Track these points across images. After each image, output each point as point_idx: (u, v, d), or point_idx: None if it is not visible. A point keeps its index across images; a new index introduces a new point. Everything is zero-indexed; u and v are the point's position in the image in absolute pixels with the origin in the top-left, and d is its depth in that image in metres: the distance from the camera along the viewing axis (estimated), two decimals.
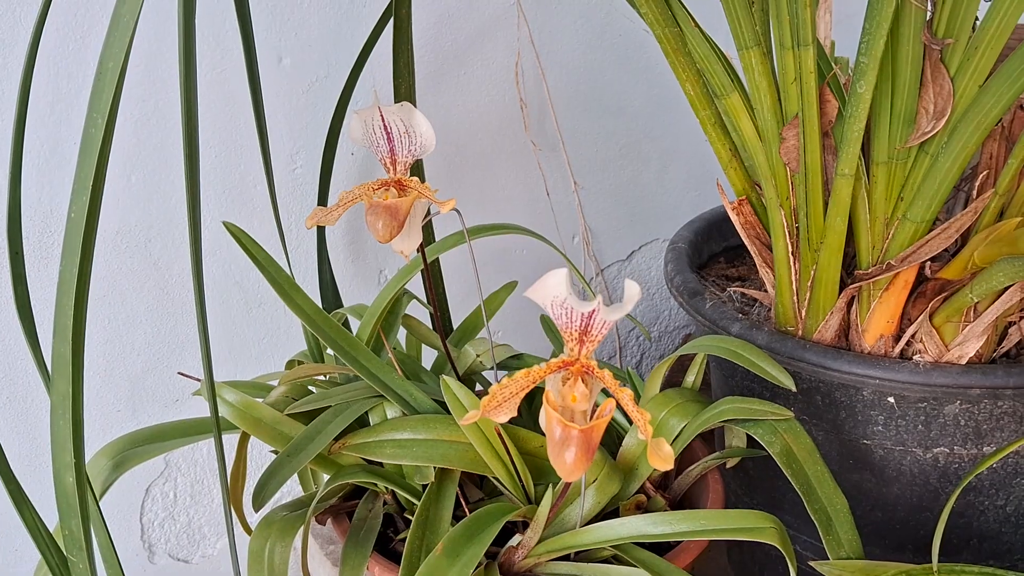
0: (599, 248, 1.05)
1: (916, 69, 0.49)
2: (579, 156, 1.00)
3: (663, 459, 0.40)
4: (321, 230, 0.84)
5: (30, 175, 0.74)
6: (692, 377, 0.65)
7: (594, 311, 0.38)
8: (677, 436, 0.61)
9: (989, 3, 0.46)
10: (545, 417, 0.41)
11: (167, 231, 0.83)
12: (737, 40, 0.53)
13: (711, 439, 0.76)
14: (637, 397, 0.72)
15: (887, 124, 0.52)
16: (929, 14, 0.48)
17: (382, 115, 0.55)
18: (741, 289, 0.68)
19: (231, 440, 0.66)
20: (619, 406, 0.44)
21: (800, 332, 0.62)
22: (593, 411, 0.42)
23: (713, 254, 0.81)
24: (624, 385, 0.41)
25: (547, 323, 0.74)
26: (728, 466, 0.69)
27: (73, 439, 0.45)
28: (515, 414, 0.41)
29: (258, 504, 0.56)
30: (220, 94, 0.79)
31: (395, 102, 0.69)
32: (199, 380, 0.61)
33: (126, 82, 0.46)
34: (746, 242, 0.63)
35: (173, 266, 0.84)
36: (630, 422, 0.64)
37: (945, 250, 0.55)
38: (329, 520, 0.66)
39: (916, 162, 0.52)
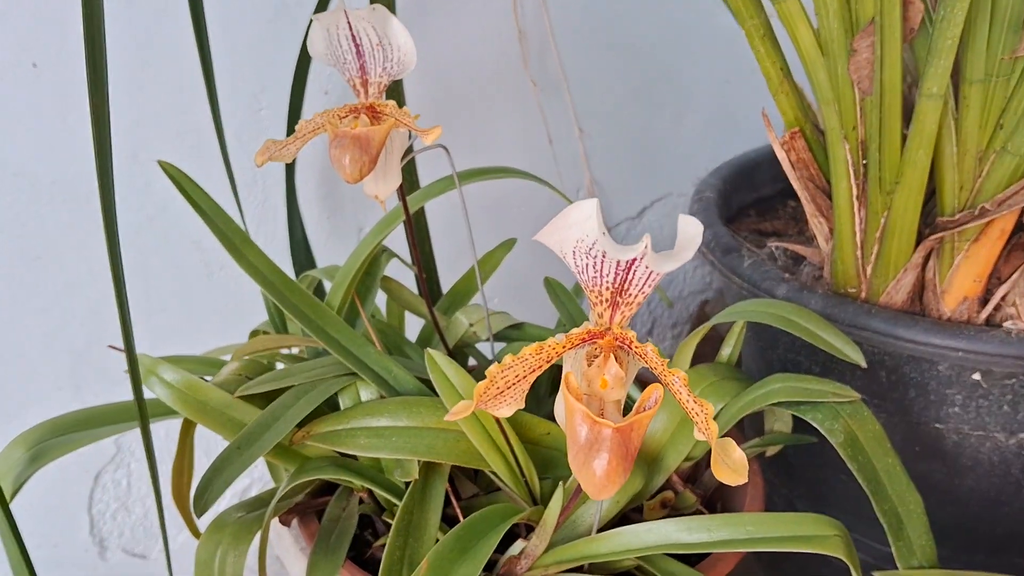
0: (607, 203, 0.94)
1: None
2: (585, 98, 0.88)
3: (735, 470, 0.29)
4: (291, 180, 0.72)
5: None
6: (728, 350, 0.54)
7: (635, 259, 0.26)
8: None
9: None
10: (565, 409, 0.29)
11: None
12: None
13: (741, 424, 0.65)
14: None
15: (986, 31, 0.41)
16: None
17: (349, 21, 0.43)
18: (785, 244, 0.58)
19: (177, 426, 0.56)
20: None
21: (864, 294, 0.51)
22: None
23: (742, 206, 0.70)
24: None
25: (553, 286, 0.63)
26: (768, 455, 0.59)
27: None
28: (521, 405, 0.30)
29: (200, 508, 0.45)
30: (173, 28, 0.68)
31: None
32: (122, 350, 0.50)
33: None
34: (796, 185, 0.52)
35: (120, 221, 0.73)
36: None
37: None
38: (295, 520, 0.55)
39: (1022, 80, 0.41)
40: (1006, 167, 0.43)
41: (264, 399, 0.50)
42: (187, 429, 0.51)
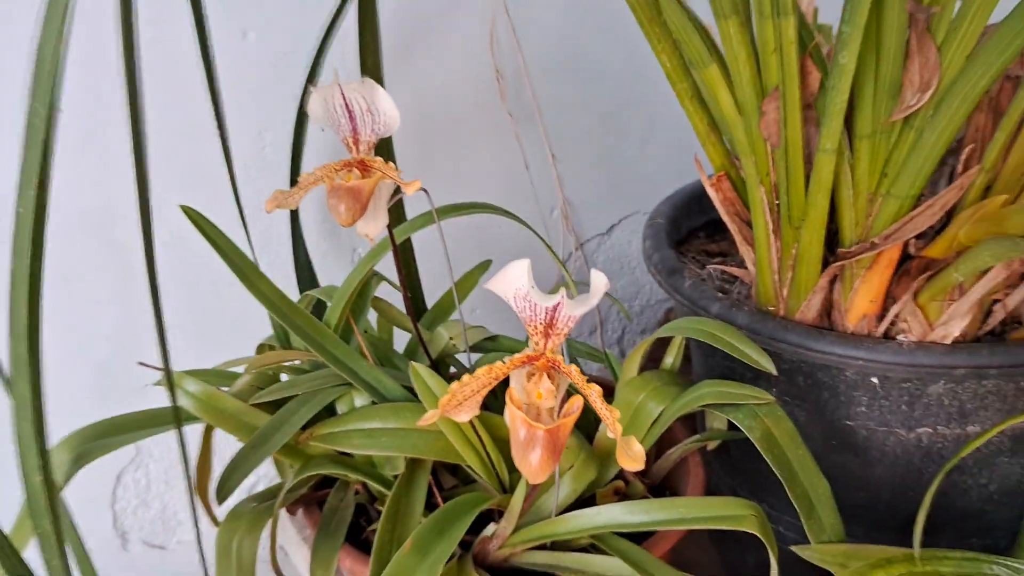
0: (578, 222, 1.02)
1: (901, 39, 0.46)
2: (557, 127, 0.97)
3: (633, 459, 0.38)
4: (294, 213, 0.81)
5: None
6: (671, 359, 0.63)
7: (558, 304, 0.35)
8: (655, 420, 0.60)
9: None
10: (509, 416, 0.39)
11: (131, 213, 0.80)
12: (715, 8, 0.50)
13: (693, 421, 0.74)
14: (616, 377, 0.70)
15: (871, 97, 0.50)
16: None
17: (343, 93, 0.52)
18: (722, 266, 0.66)
19: (199, 429, 0.64)
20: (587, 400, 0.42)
21: (782, 312, 0.60)
22: (561, 407, 0.40)
23: (693, 228, 0.79)
24: (591, 382, 0.39)
25: None
26: (709, 448, 0.68)
27: (36, 440, 0.43)
28: (477, 413, 0.39)
29: (222, 497, 0.54)
30: (183, 73, 0.76)
31: (361, 76, 0.66)
32: (160, 369, 0.59)
33: (71, 60, 0.43)
34: (725, 219, 0.61)
35: (137, 249, 0.81)
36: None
37: (930, 227, 0.53)
38: (300, 511, 0.64)
39: (901, 136, 0.49)
40: (891, 208, 0.52)
41: (272, 406, 0.59)
42: (208, 433, 0.60)
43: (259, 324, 0.88)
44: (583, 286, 0.79)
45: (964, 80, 0.45)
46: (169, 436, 0.88)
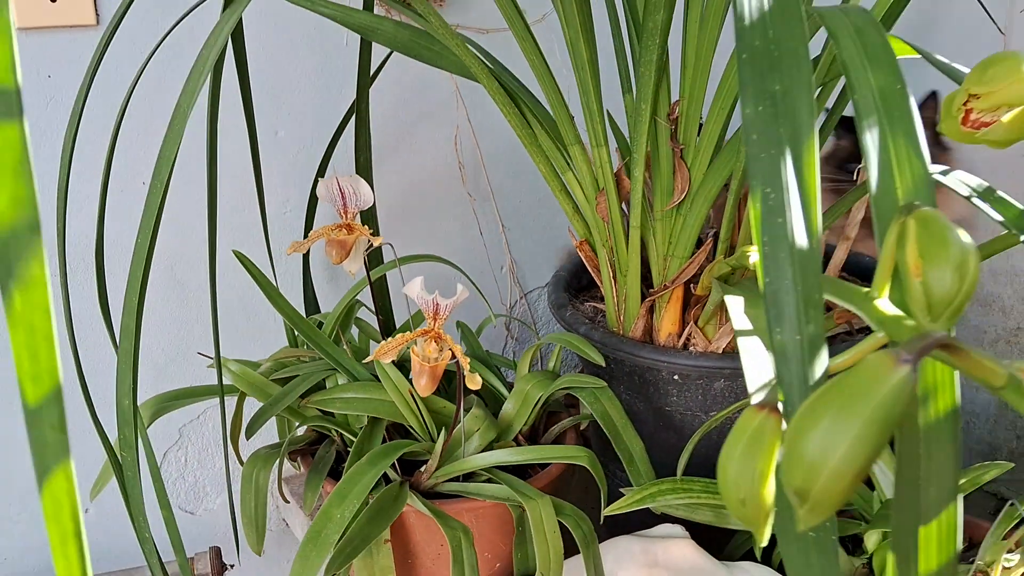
0: (522, 276, 1.34)
1: (669, 161, 0.78)
2: (506, 205, 1.29)
3: (474, 383, 0.68)
4: (306, 256, 1.13)
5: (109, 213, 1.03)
6: (552, 362, 0.93)
7: (437, 300, 0.66)
8: (536, 402, 0.90)
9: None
10: (413, 361, 0.69)
11: (187, 257, 1.12)
12: (565, 138, 0.82)
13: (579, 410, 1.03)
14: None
15: (657, 195, 0.82)
16: (672, 128, 0.77)
17: (338, 183, 0.84)
18: (592, 303, 0.97)
19: (233, 402, 0.94)
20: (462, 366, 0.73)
21: (621, 331, 0.90)
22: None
23: (590, 281, 1.10)
24: (459, 343, 0.69)
25: (462, 327, 1.03)
26: (582, 428, 0.97)
27: (132, 378, 0.73)
28: (395, 358, 0.70)
29: (249, 434, 0.84)
30: (234, 159, 1.09)
31: (356, 171, 0.99)
32: (211, 357, 0.89)
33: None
34: (590, 270, 0.92)
35: (190, 284, 1.13)
36: (509, 391, 0.92)
37: (697, 274, 0.83)
38: (298, 458, 0.94)
39: (675, 219, 0.80)
40: (675, 264, 0.83)
41: (283, 382, 0.89)
42: (241, 400, 0.90)
43: (273, 340, 1.19)
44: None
45: (703, 186, 0.76)
46: (203, 425, 1.19)
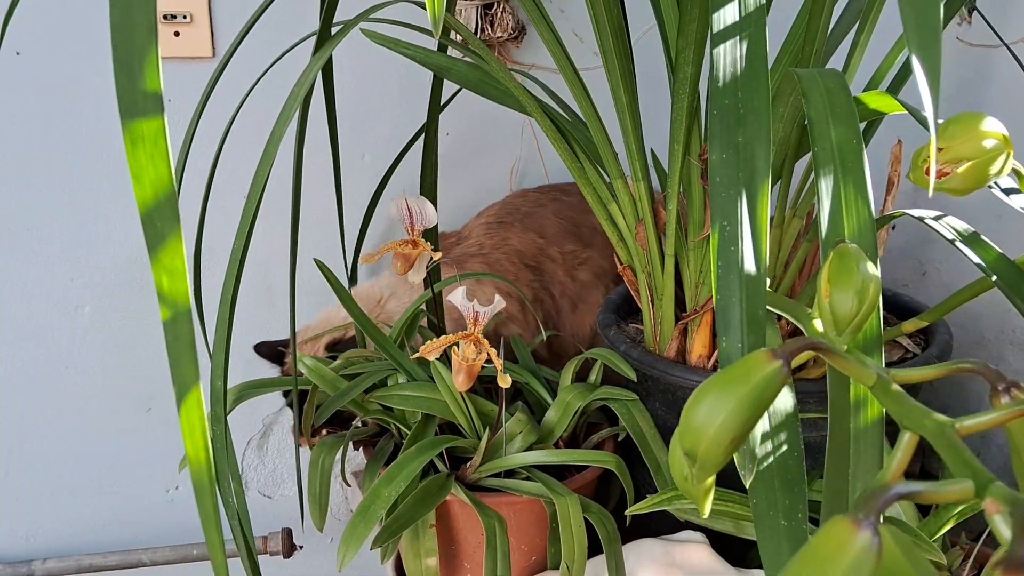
0: None
1: (700, 197, 0.86)
2: None
3: (505, 383, 0.78)
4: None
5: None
6: (593, 376, 1.02)
7: (476, 309, 0.76)
8: (576, 411, 0.98)
9: None
10: (453, 360, 0.79)
11: (280, 263, 1.25)
12: (609, 172, 0.91)
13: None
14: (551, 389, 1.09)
15: (691, 227, 0.89)
16: (702, 168, 0.85)
17: (407, 203, 0.95)
18: (636, 325, 1.05)
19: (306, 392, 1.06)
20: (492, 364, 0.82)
21: (657, 351, 0.98)
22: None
23: (638, 307, 1.18)
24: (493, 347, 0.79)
25: (516, 341, 1.12)
26: (620, 439, 1.05)
27: (224, 361, 0.85)
28: (438, 356, 0.80)
29: (319, 420, 0.95)
30: (320, 179, 1.21)
31: (421, 192, 1.09)
32: (289, 352, 1.01)
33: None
34: (632, 294, 1.00)
35: (278, 288, 1.26)
36: (553, 397, 1.01)
37: None
38: (361, 448, 1.04)
39: (706, 249, 0.88)
40: (706, 290, 0.90)
41: (351, 378, 1.00)
42: (314, 390, 1.01)
43: None
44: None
45: None
46: (284, 419, 1.31)
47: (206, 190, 0.93)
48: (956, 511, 0.84)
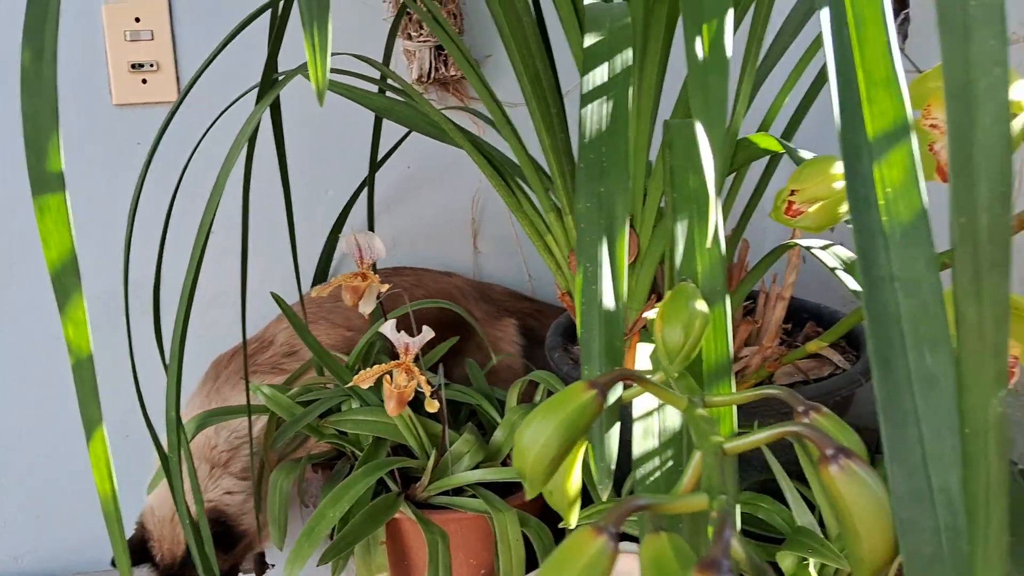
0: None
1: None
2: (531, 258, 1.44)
3: (432, 407, 0.83)
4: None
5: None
6: (538, 397, 1.07)
7: (405, 340, 0.82)
8: None
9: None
10: (384, 387, 0.85)
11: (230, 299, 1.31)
12: (543, 205, 0.97)
13: None
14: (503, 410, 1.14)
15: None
16: None
17: (356, 238, 1.01)
18: (577, 346, 1.11)
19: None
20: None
21: None
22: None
23: None
24: (424, 374, 0.84)
25: (471, 367, 1.18)
26: None
27: (176, 393, 0.90)
28: (372, 384, 0.85)
29: (274, 446, 1.01)
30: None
31: (368, 226, 1.16)
32: (247, 381, 1.07)
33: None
34: (574, 318, 1.06)
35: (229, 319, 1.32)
36: (501, 417, 1.06)
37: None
38: (319, 470, 1.10)
39: (632, 277, 0.94)
40: (632, 315, 0.96)
41: (306, 404, 1.06)
42: (272, 416, 1.07)
43: None
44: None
45: (650, 250, 0.90)
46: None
47: (163, 229, 0.99)
48: None
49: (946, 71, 0.32)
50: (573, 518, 0.52)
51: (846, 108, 0.38)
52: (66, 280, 0.42)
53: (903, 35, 1.28)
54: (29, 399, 1.34)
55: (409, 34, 1.26)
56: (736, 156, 0.79)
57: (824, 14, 0.40)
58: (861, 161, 0.38)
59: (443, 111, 0.99)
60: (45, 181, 0.42)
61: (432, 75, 1.27)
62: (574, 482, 0.51)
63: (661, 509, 0.35)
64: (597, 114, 0.56)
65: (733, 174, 0.89)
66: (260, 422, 1.07)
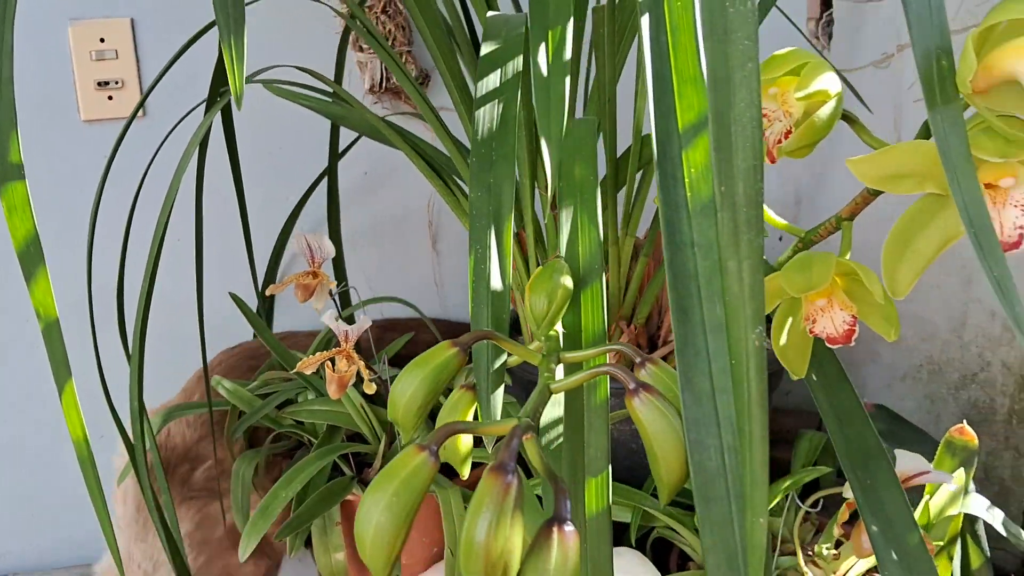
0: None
1: (552, 224, 0.99)
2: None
3: (370, 390, 0.90)
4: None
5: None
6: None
7: (345, 328, 0.89)
8: None
9: None
10: (327, 373, 0.91)
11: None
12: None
13: None
14: None
15: (549, 250, 1.02)
16: (552, 198, 0.98)
17: (306, 238, 1.07)
18: (520, 336, 1.18)
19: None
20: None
21: None
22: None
23: None
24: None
25: None
26: None
27: (138, 385, 0.97)
28: (314, 371, 0.92)
29: (235, 435, 1.07)
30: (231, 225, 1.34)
31: (328, 230, 1.22)
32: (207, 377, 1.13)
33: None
34: (515, 309, 1.13)
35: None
36: None
37: None
38: (282, 461, 1.16)
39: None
40: None
41: (264, 396, 1.12)
42: (234, 410, 1.14)
43: None
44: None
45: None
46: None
47: (125, 234, 1.05)
48: (784, 486, 0.96)
49: (709, 66, 0.38)
50: (466, 471, 0.58)
51: (660, 100, 0.45)
52: (32, 252, 0.49)
53: (828, 36, 1.35)
54: (9, 396, 1.40)
55: (360, 47, 1.33)
56: (643, 152, 0.86)
57: (645, 20, 0.47)
58: (672, 146, 0.44)
59: (389, 117, 1.06)
60: (7, 173, 0.48)
61: (384, 84, 1.34)
62: (464, 440, 0.58)
63: (472, 431, 0.41)
64: (489, 115, 0.63)
65: (641, 171, 0.95)
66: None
